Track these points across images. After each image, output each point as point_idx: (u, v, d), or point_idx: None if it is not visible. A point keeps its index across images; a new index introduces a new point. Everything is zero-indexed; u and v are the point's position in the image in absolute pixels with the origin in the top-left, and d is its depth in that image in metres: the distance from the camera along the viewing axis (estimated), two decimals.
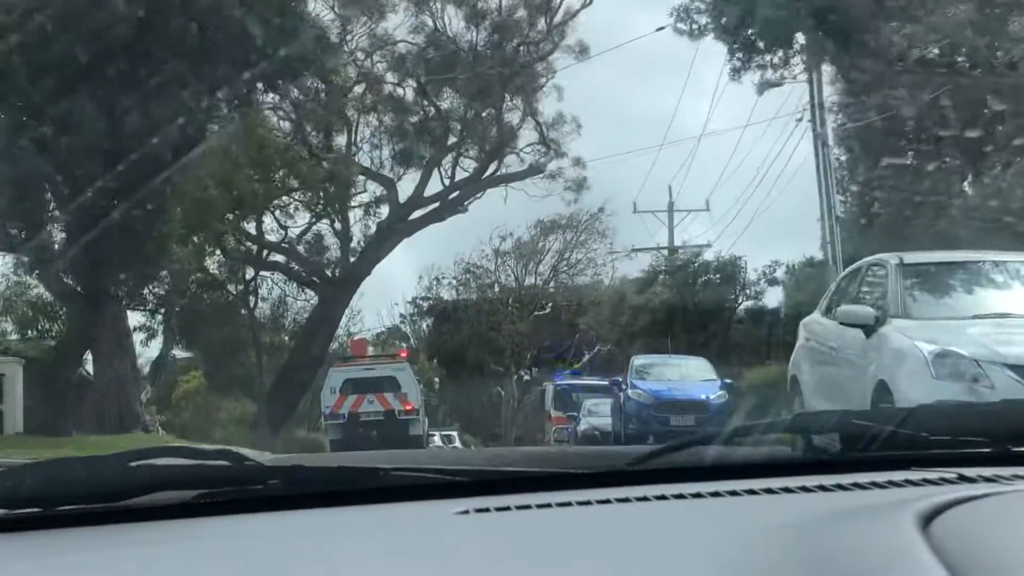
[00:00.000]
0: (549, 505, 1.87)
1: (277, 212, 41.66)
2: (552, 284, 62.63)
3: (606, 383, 45.56)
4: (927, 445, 2.05)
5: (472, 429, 57.44)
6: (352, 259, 43.53)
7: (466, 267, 62.61)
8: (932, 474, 1.89)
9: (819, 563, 1.35)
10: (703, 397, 24.58)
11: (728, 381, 26.42)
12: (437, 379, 57.47)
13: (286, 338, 44.90)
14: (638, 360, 28.96)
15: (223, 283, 43.16)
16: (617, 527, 1.77)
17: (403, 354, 40.23)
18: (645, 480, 2.03)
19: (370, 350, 41.61)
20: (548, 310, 62.02)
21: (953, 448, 2.05)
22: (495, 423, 59.93)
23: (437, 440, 45.32)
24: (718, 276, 43.00)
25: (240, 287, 43.83)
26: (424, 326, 64.96)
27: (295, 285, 46.19)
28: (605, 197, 57.12)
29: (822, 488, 1.81)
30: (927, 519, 1.42)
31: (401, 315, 64.90)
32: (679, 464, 2.16)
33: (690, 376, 26.26)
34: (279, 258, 44.42)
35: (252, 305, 44.12)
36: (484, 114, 41.78)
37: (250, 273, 44.04)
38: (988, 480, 1.81)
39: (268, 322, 45.33)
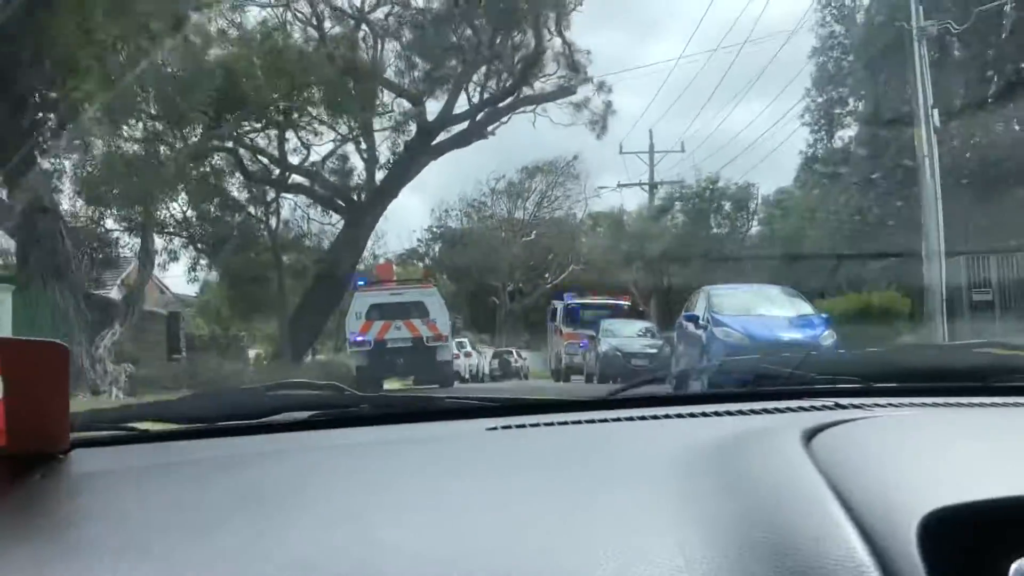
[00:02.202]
0: (553, 424, 2.11)
1: (301, 132, 33.59)
2: (536, 216, 67.81)
3: (613, 304, 41.17)
4: (813, 382, 2.44)
5: (474, 331, 60.50)
6: (377, 181, 35.52)
7: (468, 202, 68.61)
8: (817, 403, 2.17)
9: (724, 469, 1.59)
10: (811, 339, 17.79)
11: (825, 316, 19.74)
12: (448, 293, 54.09)
13: (310, 262, 37.11)
14: (717, 291, 20.73)
15: (244, 206, 35.51)
16: (600, 441, 1.99)
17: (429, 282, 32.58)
18: (619, 406, 2.31)
19: (396, 273, 34.16)
20: (532, 237, 66.54)
21: (833, 384, 2.42)
22: (491, 324, 64.79)
23: (454, 347, 38.29)
24: (729, 204, 38.56)
25: (261, 209, 36.27)
26: (436, 250, 69.59)
27: (319, 208, 38.17)
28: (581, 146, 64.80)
29: (728, 414, 2.10)
30: (809, 436, 1.71)
31: (418, 240, 69.78)
32: (643, 394, 2.51)
33: (786, 312, 19.35)
34: (303, 180, 36.58)
35: (274, 227, 36.64)
36: (514, 34, 35.60)
37: (271, 195, 36.56)
38: (857, 407, 2.10)
39: (291, 245, 38.03)
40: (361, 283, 29.65)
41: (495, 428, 2.08)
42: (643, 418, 2.16)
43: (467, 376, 42.96)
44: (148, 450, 2.01)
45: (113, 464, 1.81)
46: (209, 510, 1.54)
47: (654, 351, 30.65)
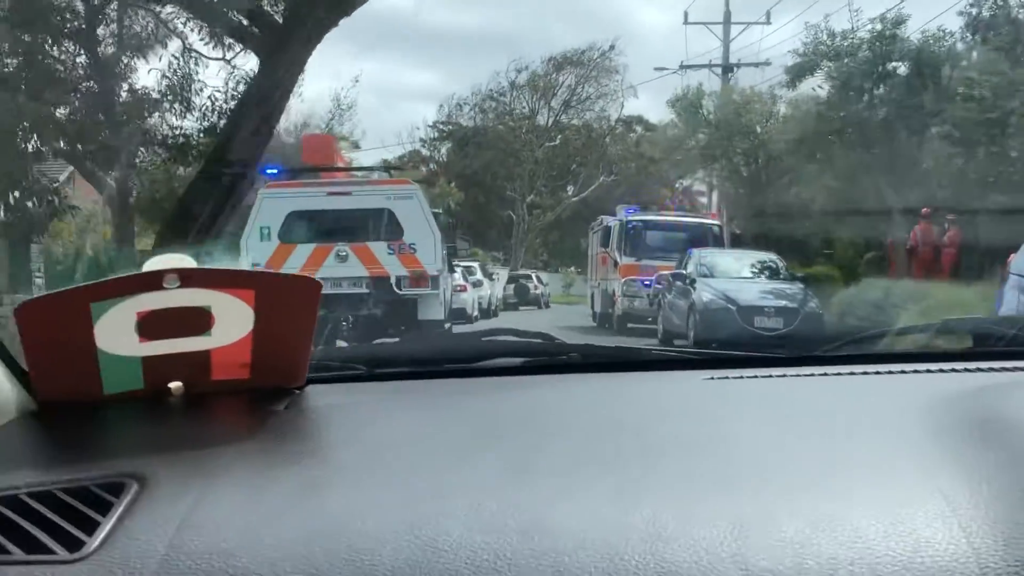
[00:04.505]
0: (772, 376, 1.94)
1: None
2: (563, 117, 55.63)
3: (697, 222, 27.33)
4: None
5: (485, 249, 50.14)
6: None
7: (484, 96, 55.39)
8: None
9: (985, 420, 1.50)
10: None
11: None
12: (454, 203, 46.64)
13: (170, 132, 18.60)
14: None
15: None
16: (832, 394, 1.86)
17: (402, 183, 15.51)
18: (833, 362, 2.08)
19: (347, 158, 18.54)
20: (557, 142, 55.09)
21: None
22: (506, 243, 54.70)
23: (458, 276, 27.38)
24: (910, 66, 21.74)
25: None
26: (443, 151, 57.72)
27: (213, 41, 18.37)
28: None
29: (968, 371, 1.89)
30: None
31: (421, 139, 57.11)
32: (858, 351, 2.28)
33: None
34: None
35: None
36: None
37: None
38: None
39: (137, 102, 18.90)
40: (272, 173, 13.75)
41: (712, 379, 1.92)
42: (876, 373, 1.96)
43: (475, 314, 28.68)
44: (376, 388, 1.97)
45: (347, 399, 1.80)
46: (442, 442, 1.50)
47: (793, 305, 17.21)
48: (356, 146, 36.69)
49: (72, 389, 1.56)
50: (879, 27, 19.82)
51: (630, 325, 22.40)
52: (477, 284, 31.30)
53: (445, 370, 2.10)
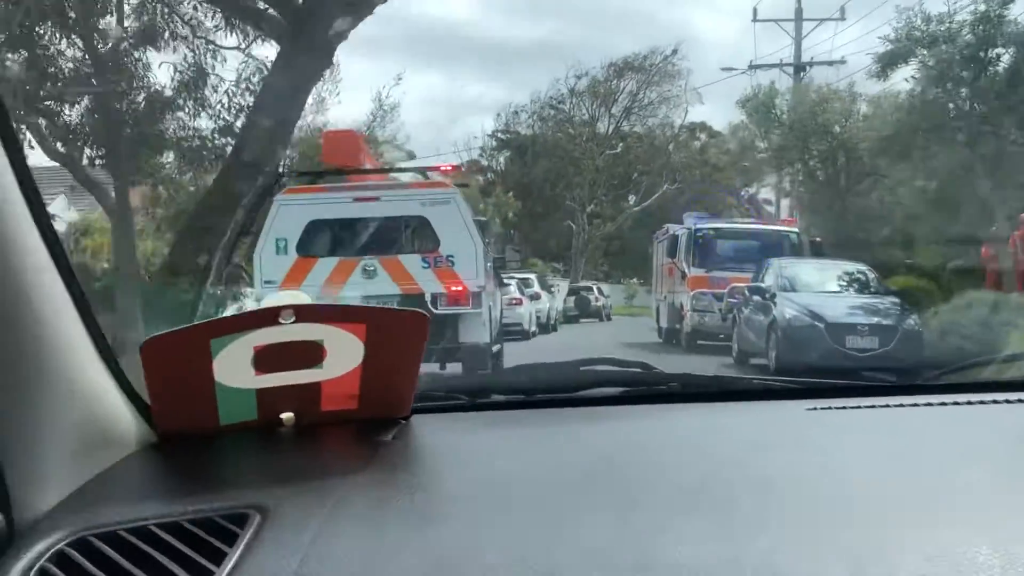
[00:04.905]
0: (875, 407, 1.86)
1: None
2: (624, 124, 53.87)
3: (772, 230, 24.83)
4: None
5: (545, 260, 49.24)
6: None
7: (543, 104, 53.64)
8: None
9: None
10: None
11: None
12: (512, 213, 45.75)
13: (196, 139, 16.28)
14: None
15: None
16: (934, 424, 1.79)
17: (446, 168, 14.26)
18: (937, 391, 2.00)
19: (371, 157, 14.66)
20: (619, 150, 53.10)
21: None
22: (566, 254, 52.17)
23: (513, 289, 25.01)
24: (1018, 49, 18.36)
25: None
26: (501, 159, 55.84)
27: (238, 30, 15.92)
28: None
29: None
30: None
31: (480, 148, 54.60)
32: (963, 380, 2.16)
33: None
34: None
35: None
36: None
37: None
38: None
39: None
40: (292, 176, 11.75)
41: (815, 409, 1.85)
42: (981, 403, 1.87)
43: (533, 328, 26.55)
44: (478, 418, 1.93)
45: (451, 429, 1.80)
46: (548, 474, 1.47)
47: (889, 323, 15.00)
48: (411, 155, 34.41)
49: (190, 421, 1.56)
50: (983, 7, 17.26)
51: (700, 342, 20.36)
52: (534, 297, 29.23)
53: (545, 400, 2.03)
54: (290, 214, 11.59)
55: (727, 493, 1.34)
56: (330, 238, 11.71)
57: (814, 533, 1.17)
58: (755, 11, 36.99)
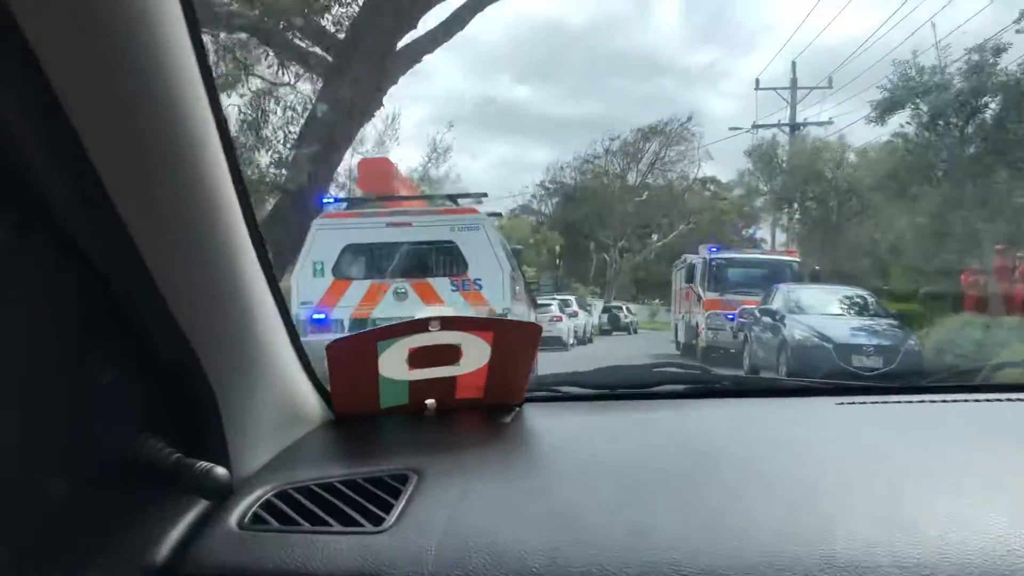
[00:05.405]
0: (900, 402, 1.78)
1: None
2: (649, 177, 51.39)
3: (777, 259, 22.25)
4: None
5: (585, 285, 47.57)
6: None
7: (583, 160, 51.42)
8: None
9: None
10: None
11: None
12: (558, 247, 46.32)
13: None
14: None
15: None
16: (946, 419, 1.68)
17: (474, 198, 10.55)
18: (948, 391, 1.85)
19: (406, 183, 12.20)
20: (644, 197, 49.83)
21: None
22: (601, 280, 49.83)
23: (554, 308, 23.46)
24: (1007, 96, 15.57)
25: None
26: (551, 204, 53.21)
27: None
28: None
29: None
30: None
31: (532, 196, 52.91)
32: (963, 383, 2.02)
33: None
34: None
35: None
36: None
37: None
38: None
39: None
40: (330, 203, 8.85)
41: (843, 403, 1.77)
42: (987, 401, 1.78)
43: (572, 341, 24.02)
44: (576, 406, 1.87)
45: (556, 415, 1.75)
46: (638, 451, 1.42)
47: (891, 343, 12.16)
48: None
49: (359, 404, 1.58)
50: (976, 58, 14.43)
51: (712, 355, 17.71)
52: (573, 315, 27.08)
53: (625, 393, 1.96)
54: (327, 238, 9.21)
55: (779, 468, 1.27)
56: (364, 261, 9.33)
57: (854, 502, 1.11)
58: (757, 81, 34.16)
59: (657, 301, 47.57)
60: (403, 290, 8.97)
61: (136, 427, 1.07)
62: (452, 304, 8.92)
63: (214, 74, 0.99)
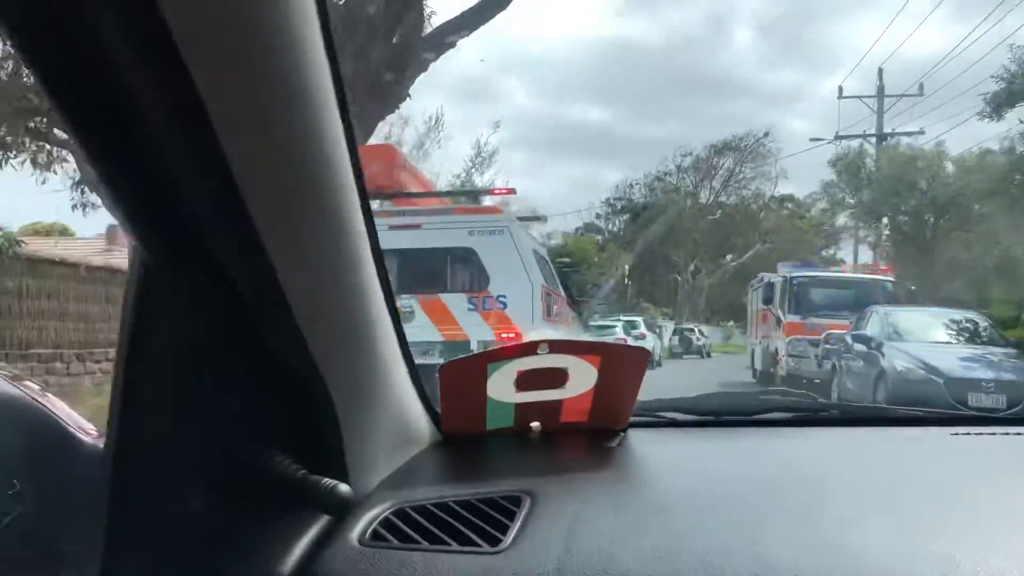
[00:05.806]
0: (1019, 434, 1.68)
1: None
2: (722, 196, 49.23)
3: (868, 278, 19.90)
4: None
5: (656, 306, 46.45)
6: None
7: (653, 177, 50.24)
8: None
9: None
10: None
11: None
12: (627, 266, 42.95)
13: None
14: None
15: None
16: None
17: (500, 191, 8.89)
18: None
19: (419, 177, 8.88)
20: (718, 215, 48.27)
21: None
22: (672, 300, 47.78)
23: (619, 330, 22.21)
24: None
25: None
26: (618, 222, 51.84)
27: None
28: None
29: None
30: None
31: (597, 214, 51.58)
32: None
33: None
34: None
35: None
36: None
37: None
38: None
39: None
40: None
41: (957, 434, 1.68)
42: None
43: None
44: (681, 432, 1.85)
45: (662, 440, 1.73)
46: (745, 479, 1.39)
47: (1012, 377, 9.90)
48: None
49: (467, 425, 1.58)
50: None
51: (794, 386, 15.43)
52: (639, 337, 24.87)
53: (730, 420, 1.93)
54: None
55: (895, 499, 1.26)
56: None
57: (977, 537, 1.08)
58: (841, 89, 31.47)
59: (731, 323, 45.60)
60: (408, 309, 7.20)
61: (264, 443, 1.10)
62: (468, 328, 7.12)
63: None
